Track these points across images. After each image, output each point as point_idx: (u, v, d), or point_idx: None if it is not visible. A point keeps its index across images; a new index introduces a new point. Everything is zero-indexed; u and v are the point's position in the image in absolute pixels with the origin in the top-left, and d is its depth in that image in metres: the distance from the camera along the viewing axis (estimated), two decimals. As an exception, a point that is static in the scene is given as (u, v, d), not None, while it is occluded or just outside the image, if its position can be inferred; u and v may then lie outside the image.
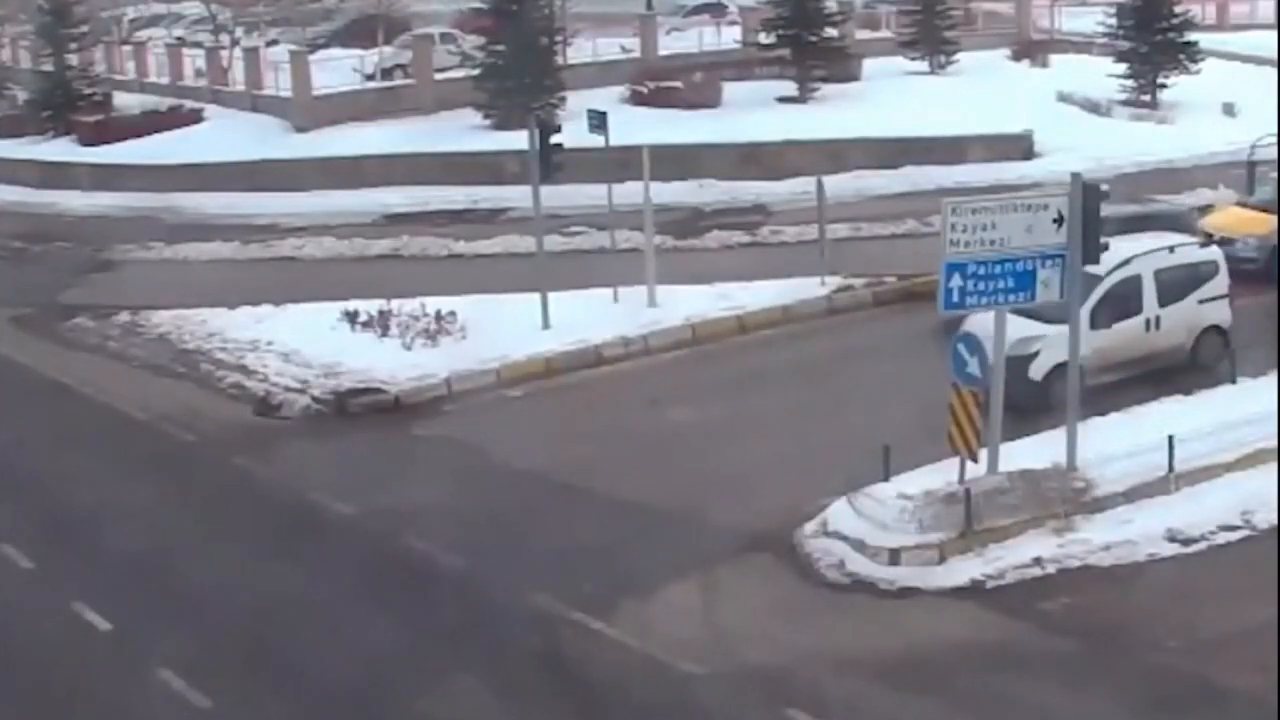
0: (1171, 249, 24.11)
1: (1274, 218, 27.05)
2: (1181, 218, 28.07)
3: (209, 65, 52.07)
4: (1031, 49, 51.49)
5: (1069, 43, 52.75)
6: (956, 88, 45.64)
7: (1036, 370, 22.51)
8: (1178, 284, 23.87)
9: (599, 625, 17.50)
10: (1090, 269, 22.50)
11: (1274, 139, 26.80)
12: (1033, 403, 21.74)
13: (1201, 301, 24.14)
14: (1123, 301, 23.08)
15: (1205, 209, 31.57)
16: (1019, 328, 21.44)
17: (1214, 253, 24.78)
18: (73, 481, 22.81)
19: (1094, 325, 22.48)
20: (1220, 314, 24.27)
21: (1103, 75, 44.10)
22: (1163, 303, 23.61)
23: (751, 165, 39.01)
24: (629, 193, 29.60)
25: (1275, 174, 27.33)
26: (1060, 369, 21.41)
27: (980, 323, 22.97)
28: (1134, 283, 23.44)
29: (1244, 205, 29.47)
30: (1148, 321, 23.60)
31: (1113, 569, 18.17)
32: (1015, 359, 21.49)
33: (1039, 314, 21.82)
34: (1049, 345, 22.10)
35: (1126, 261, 23.30)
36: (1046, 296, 19.34)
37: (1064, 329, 20.74)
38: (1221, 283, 24.31)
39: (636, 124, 36.34)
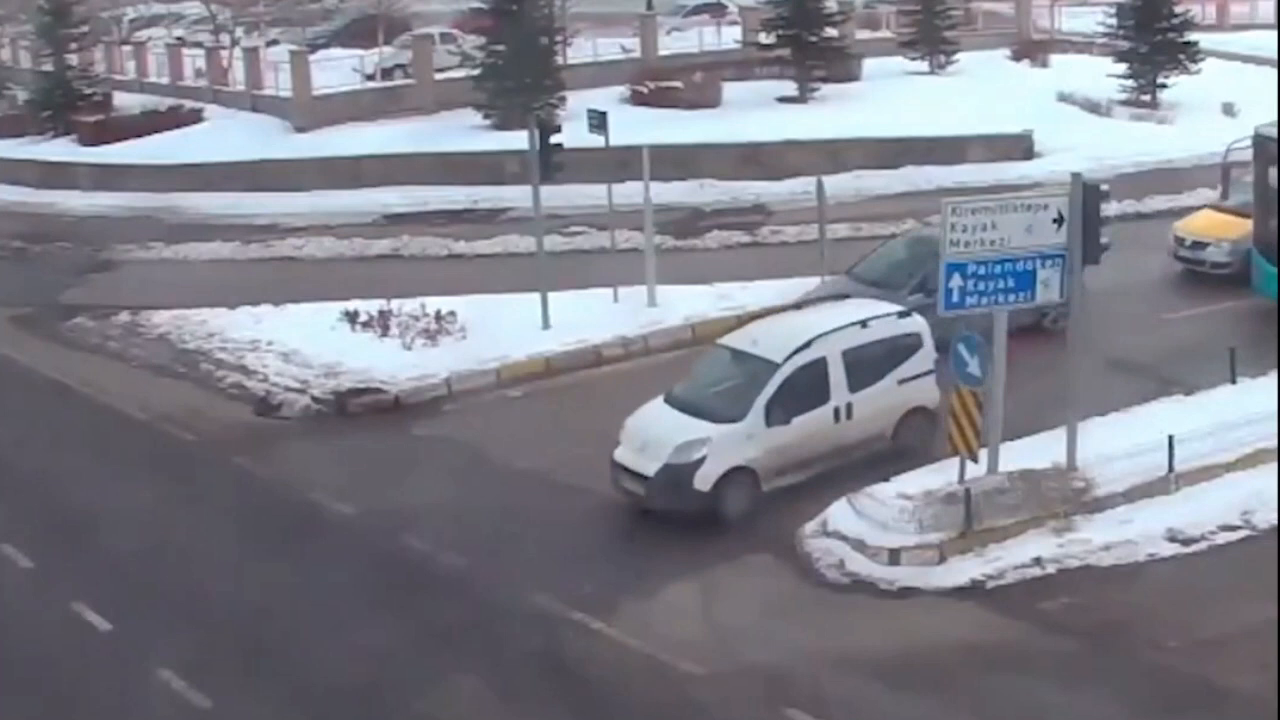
0: (864, 323, 20.81)
1: (1248, 222, 26.73)
2: None
3: (209, 65, 52.02)
4: (1031, 49, 51.42)
5: (1069, 43, 52.71)
6: (956, 88, 45.59)
7: (703, 480, 19.55)
8: (873, 363, 20.67)
9: (599, 625, 17.52)
10: (766, 355, 20.29)
11: (1248, 142, 26.47)
12: (703, 516, 19.49)
13: (902, 381, 20.92)
14: (805, 391, 19.77)
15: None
16: (680, 429, 19.70)
17: (917, 323, 21.19)
18: (73, 481, 22.82)
19: (769, 422, 19.77)
20: (926, 393, 20.99)
21: (1103, 75, 44.03)
22: (854, 387, 20.36)
23: (751, 165, 38.93)
24: (629, 193, 29.56)
25: (1249, 178, 26.97)
26: (733, 475, 19.52)
27: (648, 412, 20.83)
28: (818, 368, 20.12)
29: (1218, 209, 28.85)
30: (836, 411, 20.25)
31: (1113, 569, 18.17)
32: (676, 468, 19.46)
33: (705, 411, 20.04)
34: (716, 450, 19.58)
35: (808, 344, 20.25)
36: (1046, 297, 19.32)
37: (733, 429, 19.46)
38: (926, 358, 20.97)
39: (636, 124, 36.27)
